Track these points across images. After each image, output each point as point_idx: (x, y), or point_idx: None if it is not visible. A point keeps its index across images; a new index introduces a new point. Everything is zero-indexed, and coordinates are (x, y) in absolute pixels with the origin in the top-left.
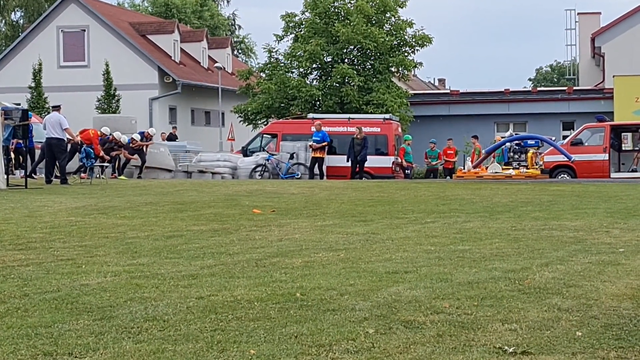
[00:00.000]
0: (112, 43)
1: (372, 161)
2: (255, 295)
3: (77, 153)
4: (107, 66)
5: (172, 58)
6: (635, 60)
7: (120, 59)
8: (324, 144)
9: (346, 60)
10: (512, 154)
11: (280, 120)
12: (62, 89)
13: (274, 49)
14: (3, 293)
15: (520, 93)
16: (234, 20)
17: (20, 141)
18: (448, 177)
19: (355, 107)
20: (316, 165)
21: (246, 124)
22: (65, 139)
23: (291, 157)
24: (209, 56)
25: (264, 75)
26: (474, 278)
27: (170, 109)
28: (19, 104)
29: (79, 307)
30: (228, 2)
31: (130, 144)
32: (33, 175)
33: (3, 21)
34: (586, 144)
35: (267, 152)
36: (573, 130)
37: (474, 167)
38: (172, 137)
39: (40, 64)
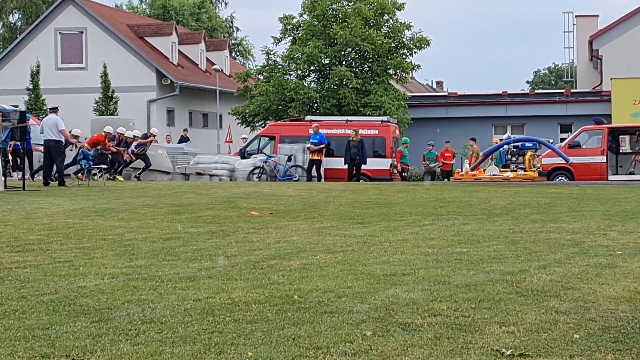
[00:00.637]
0: (109, 45)
1: (370, 163)
2: (252, 297)
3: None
4: (105, 68)
5: (170, 60)
6: (633, 63)
7: (118, 61)
8: (321, 146)
9: (344, 62)
10: (509, 156)
11: (278, 122)
12: (59, 91)
13: (272, 51)
14: (0, 295)
15: (518, 95)
16: (231, 22)
17: (18, 143)
18: (446, 180)
19: (353, 109)
20: (314, 168)
21: (244, 126)
22: (63, 141)
23: (289, 159)
24: (207, 58)
25: (261, 78)
26: (472, 280)
27: (168, 111)
28: (17, 106)
29: (77, 309)
30: (226, 4)
31: (134, 149)
32: (32, 178)
33: (1, 23)
34: (584, 146)
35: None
36: (571, 132)
37: (472, 170)
38: (183, 139)
39: (38, 66)
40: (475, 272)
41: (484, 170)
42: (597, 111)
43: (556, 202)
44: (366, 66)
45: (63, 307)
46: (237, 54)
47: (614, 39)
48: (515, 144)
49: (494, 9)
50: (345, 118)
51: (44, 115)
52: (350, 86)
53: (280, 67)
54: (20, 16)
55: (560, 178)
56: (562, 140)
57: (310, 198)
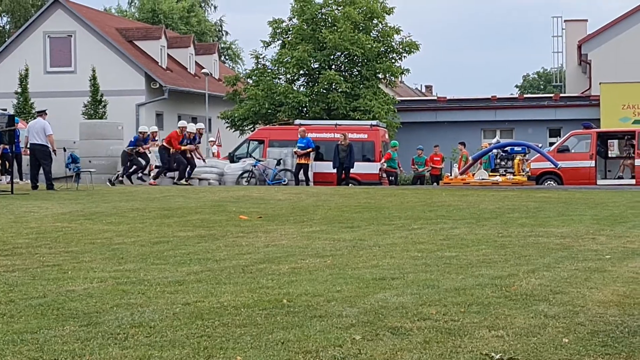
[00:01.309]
0: (98, 49)
1: (359, 167)
2: (241, 301)
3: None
4: (94, 72)
5: (159, 64)
6: (621, 68)
7: (107, 65)
8: (308, 150)
9: (333, 66)
10: (498, 160)
11: (267, 126)
12: (48, 95)
13: (261, 55)
14: None
15: (507, 100)
16: (221, 26)
17: (7, 147)
18: (435, 184)
19: (342, 113)
20: (301, 172)
21: (233, 130)
22: (49, 145)
23: (278, 163)
24: (196, 62)
25: (250, 82)
26: (461, 284)
27: (157, 115)
28: (5, 110)
29: (65, 313)
30: (215, 8)
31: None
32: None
33: None
34: (573, 150)
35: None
36: (560, 137)
37: (461, 174)
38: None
39: (26, 70)
40: (464, 276)
41: (473, 175)
42: (585, 116)
43: (545, 206)
44: (355, 70)
45: (51, 311)
46: (226, 57)
47: (602, 44)
48: (504, 149)
49: (483, 13)
50: (334, 122)
51: (32, 119)
52: (339, 90)
53: (270, 71)
54: (9, 19)
55: (549, 182)
56: (551, 144)
57: (299, 202)
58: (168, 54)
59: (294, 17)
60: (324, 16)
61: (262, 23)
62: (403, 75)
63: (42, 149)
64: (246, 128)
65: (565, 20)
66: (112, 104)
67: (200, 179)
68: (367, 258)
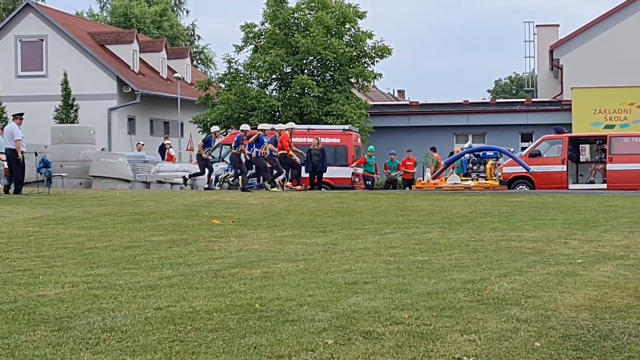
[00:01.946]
0: (70, 53)
1: (332, 172)
2: (214, 306)
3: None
4: (66, 76)
5: (131, 68)
6: (593, 72)
7: (79, 69)
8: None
9: (306, 71)
10: (471, 165)
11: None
12: (20, 99)
13: (234, 59)
14: None
15: (479, 105)
16: (193, 30)
17: None
18: (407, 188)
19: (314, 117)
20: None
21: (205, 134)
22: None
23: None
24: (168, 66)
25: (223, 86)
26: (433, 289)
27: (129, 119)
28: None
29: (36, 318)
30: (187, 12)
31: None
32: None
33: None
34: (544, 155)
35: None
36: (531, 141)
37: (433, 178)
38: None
39: None
40: (436, 281)
41: (446, 179)
42: (557, 120)
43: (517, 210)
44: (328, 75)
45: (23, 316)
46: (199, 62)
47: (574, 49)
48: (477, 153)
49: (455, 18)
50: (307, 127)
51: (3, 123)
52: (312, 95)
53: (242, 75)
54: None
55: (521, 187)
56: (523, 149)
57: (271, 206)
58: (140, 58)
59: (266, 22)
60: (296, 21)
61: (235, 27)
62: (375, 79)
63: (12, 153)
64: (219, 132)
65: (537, 25)
66: (84, 108)
67: (172, 183)
68: (340, 262)
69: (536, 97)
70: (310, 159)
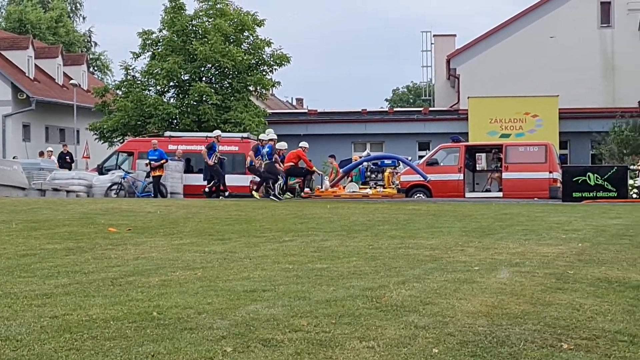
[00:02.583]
0: None
1: (230, 180)
2: (111, 314)
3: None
4: None
5: (26, 74)
6: (489, 82)
7: None
8: (162, 162)
9: (204, 78)
10: (369, 173)
11: (137, 138)
12: None
13: (131, 66)
14: None
15: (377, 113)
16: (90, 37)
17: None
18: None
19: (213, 125)
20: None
21: (102, 141)
22: None
23: (147, 175)
24: (64, 73)
25: (120, 93)
26: (332, 296)
27: (23, 126)
28: None
29: None
30: (84, 18)
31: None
32: None
33: None
34: (442, 164)
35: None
36: (429, 150)
37: (332, 186)
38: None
39: None
40: (335, 288)
41: (344, 187)
42: (454, 129)
43: (415, 218)
44: (226, 82)
45: None
46: (95, 68)
47: (470, 59)
48: (375, 161)
49: (354, 27)
50: (205, 134)
51: None
52: (210, 102)
53: (139, 82)
54: None
55: (418, 195)
56: (421, 157)
57: (169, 214)
58: (35, 65)
59: (164, 29)
60: (194, 28)
61: (132, 34)
62: (274, 87)
63: None
64: (115, 140)
65: (434, 35)
66: None
67: (68, 191)
68: (238, 270)
69: (433, 106)
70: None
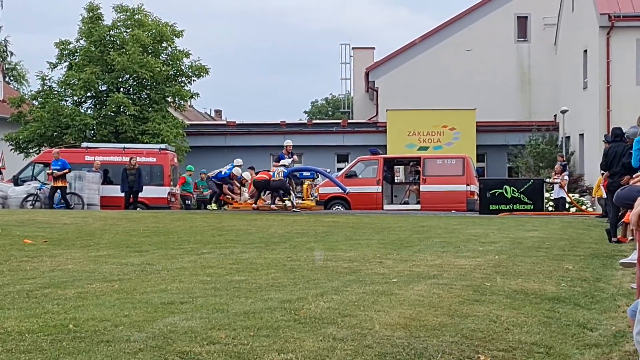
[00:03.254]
0: None
1: (148, 191)
2: (26, 326)
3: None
4: None
5: None
6: (407, 95)
7: None
8: (65, 171)
9: (122, 89)
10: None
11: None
12: None
13: (47, 76)
14: None
15: (296, 125)
16: (5, 46)
17: None
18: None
19: (130, 136)
20: (57, 194)
21: (18, 152)
22: None
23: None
24: None
25: (36, 103)
26: (250, 308)
27: None
28: None
29: None
30: (0, 27)
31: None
32: None
33: None
34: (360, 176)
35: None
36: (347, 162)
37: (250, 198)
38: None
39: None
40: (253, 300)
41: (263, 199)
42: (373, 142)
43: (333, 230)
44: (144, 93)
45: None
46: (11, 78)
47: (389, 71)
48: (294, 173)
49: (272, 39)
50: (122, 145)
51: None
52: (127, 113)
53: (56, 92)
54: None
55: (337, 207)
56: (339, 169)
57: (86, 226)
58: None
59: (81, 39)
60: (112, 38)
61: (49, 44)
62: (192, 99)
63: None
64: (31, 150)
65: (353, 48)
66: None
67: None
68: (156, 282)
69: (352, 119)
70: (126, 178)
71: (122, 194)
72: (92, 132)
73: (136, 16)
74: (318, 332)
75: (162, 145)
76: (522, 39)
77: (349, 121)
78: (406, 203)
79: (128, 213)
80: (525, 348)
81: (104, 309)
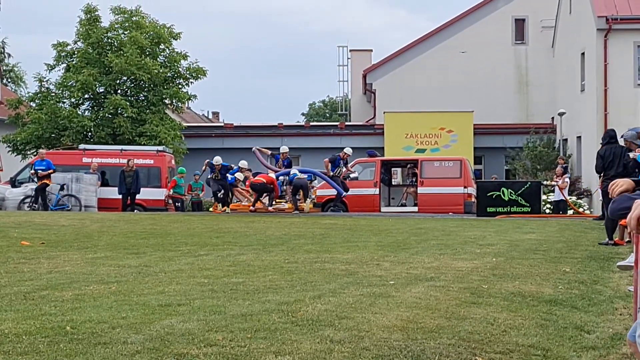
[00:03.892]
0: None
1: (145, 193)
2: (23, 328)
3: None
4: None
5: None
6: (405, 97)
7: None
8: (50, 171)
9: (119, 91)
10: (285, 187)
11: (51, 150)
12: None
13: (45, 78)
14: None
15: (293, 127)
16: (3, 48)
17: None
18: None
19: (128, 138)
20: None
21: (15, 154)
22: None
23: (62, 188)
24: None
25: (34, 105)
26: (248, 310)
27: None
28: None
29: None
30: None
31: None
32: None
33: None
34: (358, 178)
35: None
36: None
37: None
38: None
39: None
40: (251, 302)
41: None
42: (370, 144)
43: (330, 232)
44: (142, 95)
45: None
46: (9, 80)
47: (386, 74)
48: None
49: (270, 41)
50: (120, 147)
51: None
52: (125, 115)
53: (54, 94)
54: None
55: (332, 209)
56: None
57: (83, 228)
58: None
59: (79, 41)
60: (110, 40)
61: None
62: (190, 101)
63: None
64: (29, 152)
65: (350, 50)
66: None
67: None
68: (153, 284)
69: (350, 121)
70: (123, 180)
71: (120, 196)
72: (90, 134)
73: (134, 18)
74: (315, 334)
75: (160, 147)
76: (520, 42)
77: (347, 123)
78: (403, 205)
79: (125, 215)
80: (523, 350)
81: (101, 311)
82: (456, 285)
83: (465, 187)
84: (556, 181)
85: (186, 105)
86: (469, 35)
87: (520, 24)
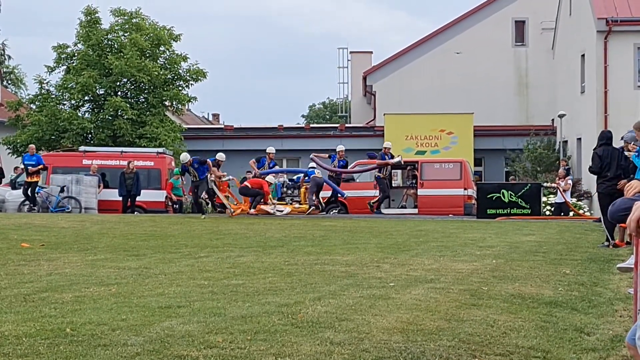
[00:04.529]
0: None
1: (145, 195)
2: (23, 330)
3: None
4: None
5: None
6: (405, 99)
7: None
8: (39, 167)
9: (119, 93)
10: (285, 189)
11: (51, 152)
12: None
13: (45, 80)
14: None
15: (293, 129)
16: (3, 50)
17: None
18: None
19: (128, 140)
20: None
21: (15, 156)
22: None
23: (62, 190)
24: None
25: (34, 107)
26: (248, 312)
27: None
28: None
29: None
30: None
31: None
32: None
33: None
34: (358, 180)
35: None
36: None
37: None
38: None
39: None
40: (251, 304)
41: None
42: (370, 146)
43: (331, 234)
44: (142, 97)
45: None
46: (9, 82)
47: (387, 75)
48: (291, 177)
49: (269, 43)
50: (120, 149)
51: None
52: (125, 117)
53: (54, 96)
54: None
55: (334, 211)
56: None
57: (83, 230)
58: None
59: (79, 43)
60: (110, 42)
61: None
62: (190, 103)
63: None
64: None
65: (350, 52)
66: None
67: None
68: (153, 286)
69: (350, 123)
70: (123, 182)
71: (120, 198)
72: (90, 135)
73: (134, 20)
74: (315, 336)
75: (160, 149)
76: (520, 43)
77: (347, 125)
78: (404, 207)
79: (125, 217)
80: (523, 352)
81: (101, 312)
82: (456, 287)
83: (465, 189)
84: (558, 183)
85: (186, 107)
86: (469, 37)
87: (520, 25)
